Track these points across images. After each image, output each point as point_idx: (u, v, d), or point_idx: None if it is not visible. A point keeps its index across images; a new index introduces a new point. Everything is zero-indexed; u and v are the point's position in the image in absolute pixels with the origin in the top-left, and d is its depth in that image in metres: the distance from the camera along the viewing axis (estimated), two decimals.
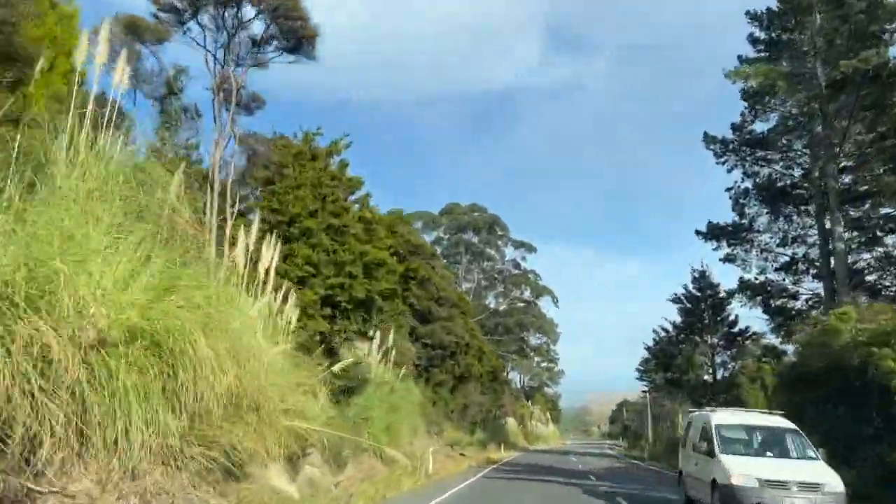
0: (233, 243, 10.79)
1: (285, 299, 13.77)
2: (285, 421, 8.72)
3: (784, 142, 35.53)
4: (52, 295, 5.01)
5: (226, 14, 19.02)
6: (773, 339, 36.47)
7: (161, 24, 19.17)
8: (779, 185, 35.62)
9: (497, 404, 54.46)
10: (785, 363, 28.92)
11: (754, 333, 36.43)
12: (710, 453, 13.46)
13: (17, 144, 6.12)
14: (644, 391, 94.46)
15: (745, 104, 35.48)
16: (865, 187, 31.64)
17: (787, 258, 35.49)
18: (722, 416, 14.71)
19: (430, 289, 36.35)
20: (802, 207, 35.26)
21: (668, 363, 38.79)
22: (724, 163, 36.42)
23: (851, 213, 32.44)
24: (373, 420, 19.24)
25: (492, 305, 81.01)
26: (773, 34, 33.69)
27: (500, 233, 79.03)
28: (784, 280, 35.69)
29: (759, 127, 35.55)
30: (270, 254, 11.40)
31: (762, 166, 35.85)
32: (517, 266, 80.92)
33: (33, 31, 9.31)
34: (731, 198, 36.17)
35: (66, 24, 10.51)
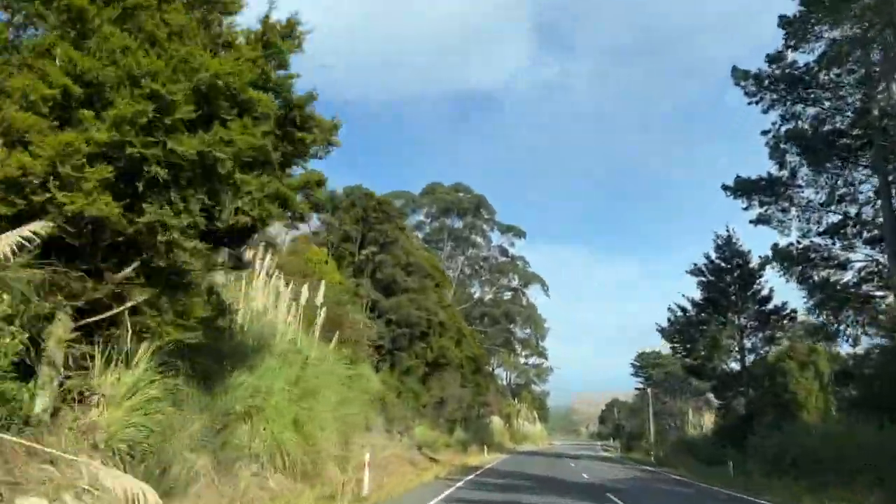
0: None
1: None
2: None
3: (831, 76, 28.38)
4: None
5: None
6: (811, 319, 29.37)
7: None
8: (825, 129, 28.46)
9: (480, 400, 46.89)
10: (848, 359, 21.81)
11: (793, 312, 29.23)
12: None
13: None
14: (639, 388, 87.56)
15: (784, 32, 28.37)
16: None
17: (835, 218, 28.35)
18: None
19: (397, 253, 28.83)
20: (854, 156, 28.11)
21: (687, 348, 31.44)
22: (758, 101, 29.17)
23: None
24: (269, 411, 11.69)
25: (476, 294, 73.59)
26: None
27: (486, 216, 71.53)
28: (831, 245, 28.54)
29: (801, 59, 28.42)
30: None
31: (806, 105, 28.68)
32: (504, 253, 73.51)
33: None
34: (767, 144, 28.99)
35: None
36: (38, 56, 6.89)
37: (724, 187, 29.99)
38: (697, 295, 31.84)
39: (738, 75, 29.53)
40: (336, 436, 14.04)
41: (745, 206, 29.86)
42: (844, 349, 27.88)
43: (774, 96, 28.84)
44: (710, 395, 59.71)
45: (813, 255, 28.67)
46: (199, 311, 8.46)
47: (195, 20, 7.90)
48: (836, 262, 28.34)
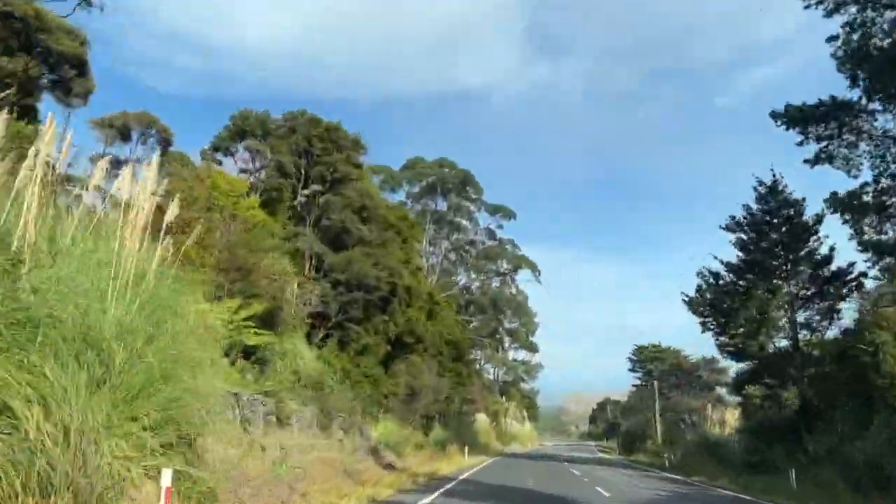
0: None
1: None
2: None
3: None
4: None
5: None
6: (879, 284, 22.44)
7: None
8: None
9: (463, 394, 39.61)
10: None
11: (861, 276, 22.23)
12: None
13: None
14: (636, 384, 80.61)
15: None
16: None
17: None
18: None
19: (349, 194, 21.53)
20: None
21: (722, 323, 24.29)
22: (819, 2, 22.25)
23: None
24: None
25: (462, 282, 66.33)
26: None
27: (473, 195, 64.27)
28: None
29: None
30: None
31: (884, 9, 21.73)
32: (492, 236, 66.25)
33: None
34: (834, 55, 22.00)
35: None
36: None
37: (774, 115, 22.97)
38: (728, 260, 24.75)
39: None
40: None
41: (799, 140, 22.89)
42: None
43: None
44: (722, 391, 52.76)
45: (891, 202, 21.77)
46: None
47: None
48: None
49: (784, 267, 23.45)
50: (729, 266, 24.48)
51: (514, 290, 64.34)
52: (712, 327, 24.74)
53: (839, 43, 21.57)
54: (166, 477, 5.65)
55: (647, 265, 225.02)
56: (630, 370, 73.86)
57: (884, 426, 16.56)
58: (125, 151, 21.64)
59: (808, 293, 23.28)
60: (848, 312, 22.41)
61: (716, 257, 24.66)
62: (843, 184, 20.93)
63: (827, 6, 21.88)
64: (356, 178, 21.60)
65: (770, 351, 23.51)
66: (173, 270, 7.78)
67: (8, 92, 8.00)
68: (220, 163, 21.42)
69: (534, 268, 61.77)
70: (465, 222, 66.37)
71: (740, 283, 24.07)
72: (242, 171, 22.19)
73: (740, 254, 24.40)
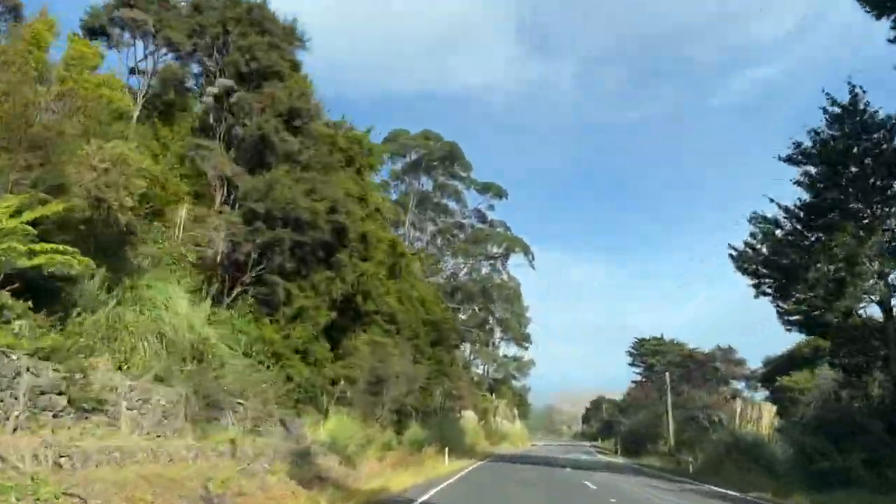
0: None
1: None
2: None
3: None
4: None
5: None
6: None
7: None
8: None
9: (444, 383, 33.14)
10: None
11: None
12: None
13: None
14: (635, 381, 74.18)
15: None
16: None
17: None
18: None
19: (276, 94, 14.99)
20: None
21: (783, 284, 17.87)
22: None
23: None
24: None
25: (450, 269, 59.84)
26: None
27: (461, 172, 57.83)
28: None
29: None
30: None
31: None
32: (482, 218, 59.89)
33: None
34: None
35: None
36: None
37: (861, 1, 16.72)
38: (789, 205, 18.37)
39: None
40: None
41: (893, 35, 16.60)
42: None
43: None
44: (739, 385, 46.55)
45: None
46: None
47: None
48: None
49: (871, 210, 17.12)
50: (792, 211, 18.10)
51: (505, 277, 57.90)
52: (769, 290, 18.34)
53: None
54: None
55: (640, 265, 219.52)
56: (630, 364, 67.68)
57: None
58: None
59: None
60: None
61: (773, 200, 18.34)
62: None
63: None
64: (286, 75, 15.10)
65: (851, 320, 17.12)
66: None
67: None
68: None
69: (527, 250, 55.38)
70: (452, 205, 59.98)
71: (810, 232, 17.71)
72: (132, 71, 15.66)
73: (807, 195, 18.03)
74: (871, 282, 16.62)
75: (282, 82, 15.20)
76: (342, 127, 18.40)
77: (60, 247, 8.09)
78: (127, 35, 14.89)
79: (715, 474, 24.35)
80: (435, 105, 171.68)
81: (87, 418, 7.83)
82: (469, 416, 52.56)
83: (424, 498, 12.04)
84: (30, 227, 7.97)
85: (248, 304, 14.41)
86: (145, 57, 15.23)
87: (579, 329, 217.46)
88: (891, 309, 16.57)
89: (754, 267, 18.46)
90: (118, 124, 11.96)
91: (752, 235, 19.36)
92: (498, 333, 64.14)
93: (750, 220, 18.39)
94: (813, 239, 17.20)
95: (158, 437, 8.95)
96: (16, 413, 6.86)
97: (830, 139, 17.87)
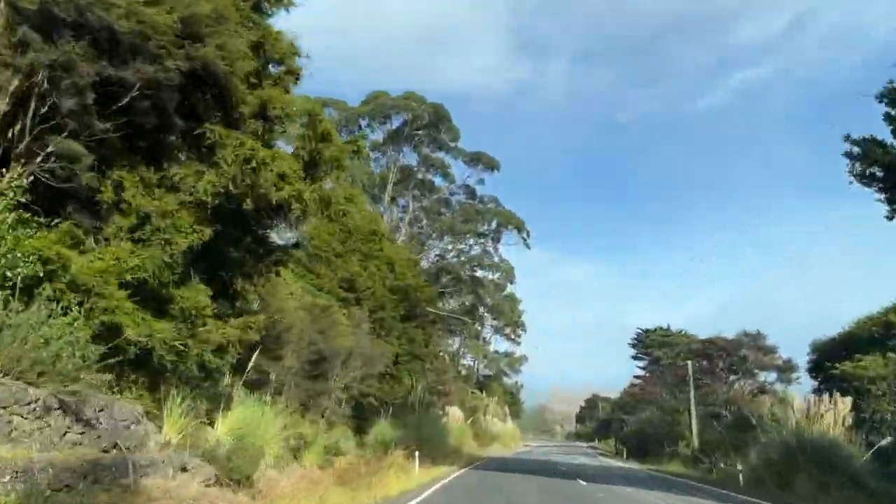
0: None
1: None
2: None
3: None
4: None
5: None
6: None
7: None
8: None
9: (419, 370, 26.27)
10: None
11: None
12: None
13: None
14: (638, 376, 67.14)
15: None
16: None
17: None
18: None
19: None
20: None
21: None
22: None
23: None
24: None
25: (435, 253, 53.02)
26: None
27: (448, 141, 50.98)
28: None
29: None
30: None
31: None
32: (472, 195, 53.07)
33: None
34: None
35: None
36: None
37: None
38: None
39: None
40: None
41: None
42: None
43: None
44: (771, 377, 39.57)
45: None
46: None
47: None
48: None
49: None
50: None
51: (497, 260, 51.12)
52: None
53: None
54: None
55: (636, 265, 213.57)
56: (634, 357, 61.08)
57: None
58: None
59: None
60: None
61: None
62: None
63: None
64: None
65: None
66: None
67: None
68: None
69: (521, 227, 48.51)
70: (439, 181, 53.23)
71: None
72: None
73: None
74: None
75: None
76: None
77: None
78: None
79: (780, 488, 17.71)
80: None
81: None
82: (455, 414, 45.74)
83: None
84: None
85: (20, 191, 7.59)
86: None
87: (572, 328, 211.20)
88: None
89: (881, 176, 11.82)
90: None
91: (862, 146, 12.67)
92: (489, 321, 57.44)
93: (882, 97, 11.68)
94: None
95: None
96: None
97: None
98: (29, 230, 7.93)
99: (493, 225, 49.24)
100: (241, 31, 9.59)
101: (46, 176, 8.00)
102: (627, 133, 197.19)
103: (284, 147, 11.45)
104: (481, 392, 67.04)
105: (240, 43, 9.23)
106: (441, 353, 48.34)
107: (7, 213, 7.48)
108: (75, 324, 7.83)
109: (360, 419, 23.67)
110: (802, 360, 33.25)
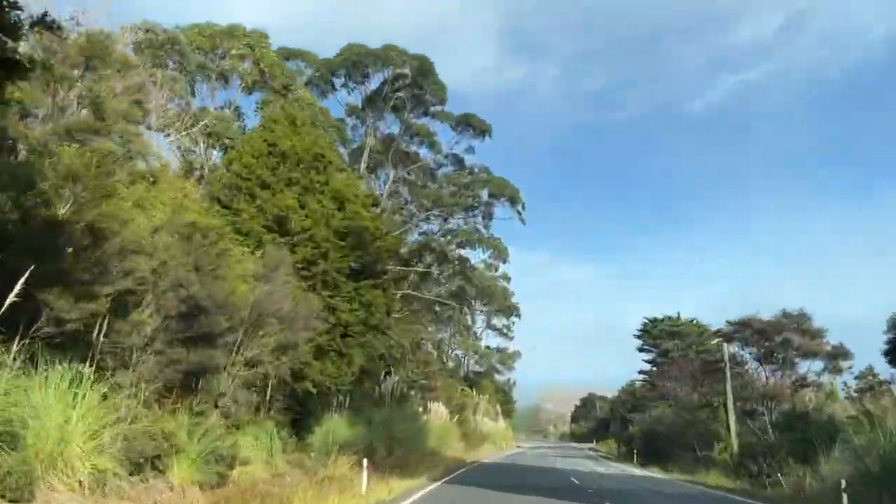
0: None
1: None
2: None
3: None
4: None
5: None
6: None
7: None
8: None
9: (384, 344, 19.54)
10: None
11: None
12: None
13: None
14: (644, 371, 60.17)
15: None
16: None
17: None
18: None
19: None
20: None
21: None
22: None
23: None
24: None
25: (419, 230, 46.36)
26: None
27: (432, 102, 44.27)
28: None
29: None
30: None
31: None
32: (460, 163, 46.40)
33: None
34: None
35: None
36: None
37: None
38: None
39: None
40: None
41: None
42: None
43: None
44: (811, 366, 32.97)
45: None
46: None
47: None
48: None
49: None
50: None
51: (486, 235, 44.43)
52: None
53: None
54: None
55: (630, 265, 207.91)
56: (640, 350, 54.61)
57: None
58: None
59: None
60: None
61: None
62: None
63: None
64: None
65: None
66: None
67: None
68: None
69: (515, 197, 41.83)
70: (424, 152, 46.63)
71: None
72: None
73: None
74: None
75: None
76: None
77: None
78: None
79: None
80: None
81: None
82: (439, 411, 39.07)
83: None
84: None
85: None
86: None
87: (565, 328, 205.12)
88: None
89: None
90: None
91: None
92: (479, 307, 50.84)
93: None
94: None
95: None
96: None
97: None
98: None
99: (484, 196, 42.60)
100: None
101: None
102: (627, 133, 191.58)
103: None
104: (471, 389, 60.58)
105: None
106: (422, 340, 41.79)
107: None
108: None
109: (300, 414, 17.09)
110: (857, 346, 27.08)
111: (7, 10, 5.78)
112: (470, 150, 44.10)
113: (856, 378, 28.01)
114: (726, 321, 30.55)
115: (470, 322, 67.04)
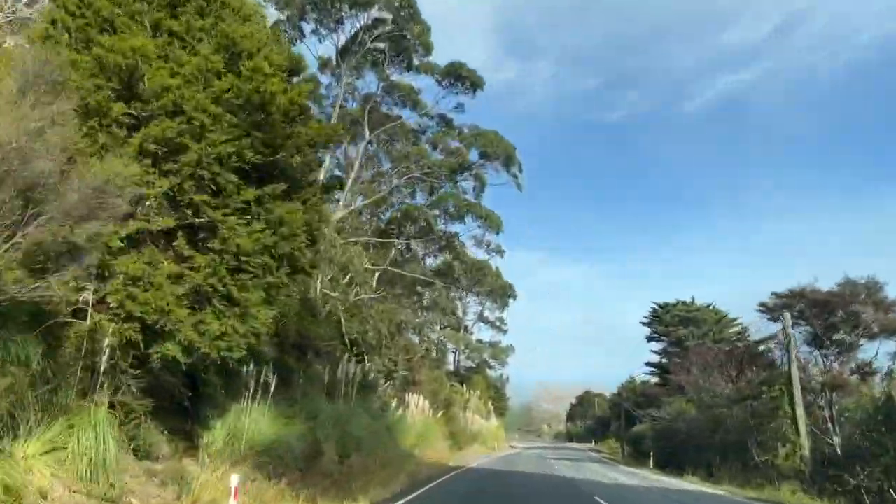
0: None
1: None
2: None
3: None
4: None
5: None
6: None
7: None
8: None
9: (301, 275, 13.10)
10: None
11: None
12: None
13: None
14: (652, 363, 53.55)
15: None
16: None
17: None
18: None
19: None
20: None
21: None
22: None
23: None
24: None
25: (398, 198, 39.95)
26: None
27: (419, 53, 37.87)
28: None
29: None
30: None
31: None
32: (448, 123, 39.98)
33: None
34: None
35: None
36: None
37: None
38: None
39: None
40: None
41: None
42: None
43: None
44: (874, 349, 26.60)
45: None
46: None
47: None
48: None
49: None
50: None
51: (473, 199, 37.97)
52: None
53: None
54: None
55: (631, 265, 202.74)
56: (649, 339, 48.29)
57: None
58: None
59: None
60: None
61: None
62: None
63: None
64: None
65: None
66: None
67: None
68: None
69: (511, 157, 35.42)
70: (407, 116, 40.25)
71: None
72: None
73: None
74: None
75: None
76: None
77: None
78: None
79: None
80: None
81: None
82: (419, 405, 32.49)
83: None
84: None
85: None
86: None
87: (561, 327, 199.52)
88: None
89: None
90: None
91: None
92: (468, 291, 44.46)
93: None
94: None
95: None
96: None
97: None
98: None
99: (474, 156, 36.25)
100: None
101: None
102: (624, 132, 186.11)
103: None
104: (461, 385, 54.38)
105: None
106: (403, 323, 35.44)
107: None
108: None
109: (190, 400, 10.70)
110: None
111: None
112: (459, 107, 37.52)
113: None
114: (772, 293, 24.28)
115: (459, 311, 60.92)
